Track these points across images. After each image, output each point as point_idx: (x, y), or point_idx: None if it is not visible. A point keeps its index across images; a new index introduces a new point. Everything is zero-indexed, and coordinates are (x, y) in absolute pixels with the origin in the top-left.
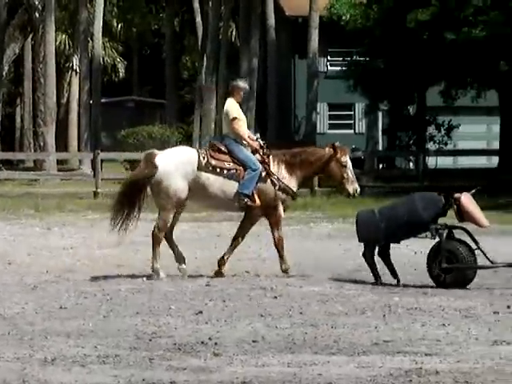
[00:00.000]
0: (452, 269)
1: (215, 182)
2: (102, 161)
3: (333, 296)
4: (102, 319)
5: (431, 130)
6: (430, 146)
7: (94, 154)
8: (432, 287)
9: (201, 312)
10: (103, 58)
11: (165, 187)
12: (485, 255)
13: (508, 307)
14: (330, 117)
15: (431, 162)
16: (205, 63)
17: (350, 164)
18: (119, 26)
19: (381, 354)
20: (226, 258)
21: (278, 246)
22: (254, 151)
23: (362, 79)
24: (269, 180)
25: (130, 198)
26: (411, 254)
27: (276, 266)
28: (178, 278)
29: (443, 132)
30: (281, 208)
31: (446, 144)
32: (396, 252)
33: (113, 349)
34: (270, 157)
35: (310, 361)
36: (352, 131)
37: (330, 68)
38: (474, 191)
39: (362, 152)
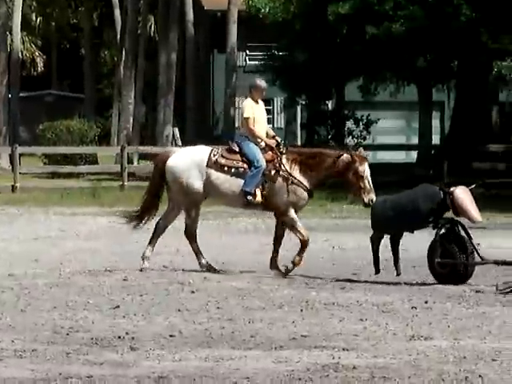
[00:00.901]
0: (447, 264)
1: (224, 181)
2: (20, 155)
3: (250, 291)
4: (20, 313)
5: (350, 124)
6: (349, 140)
7: (12, 149)
8: (350, 281)
9: (118, 306)
10: (22, 52)
11: (180, 186)
12: (476, 251)
13: (426, 302)
14: None
15: None
16: (123, 57)
17: (368, 173)
18: (38, 20)
19: (298, 349)
20: (274, 259)
21: (304, 246)
22: (267, 149)
23: (281, 73)
24: (280, 178)
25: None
26: (329, 249)
27: (194, 261)
28: (95, 272)
29: (362, 127)
30: (292, 210)
31: (364, 139)
32: (314, 247)
33: (30, 343)
34: (284, 155)
35: (227, 355)
36: (271, 126)
37: (248, 62)
38: (473, 186)
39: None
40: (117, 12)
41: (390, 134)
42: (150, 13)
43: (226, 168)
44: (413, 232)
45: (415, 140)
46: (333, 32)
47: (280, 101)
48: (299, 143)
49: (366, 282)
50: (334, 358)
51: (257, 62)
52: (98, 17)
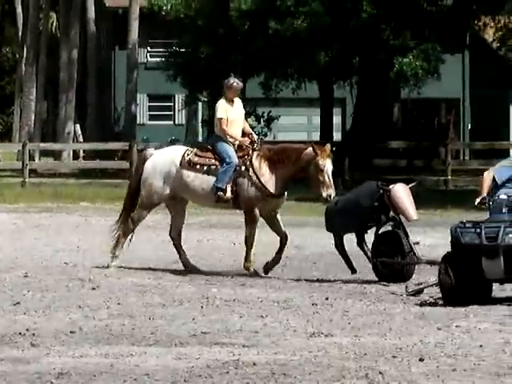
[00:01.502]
0: (387, 263)
1: (195, 179)
2: None
3: (151, 287)
4: None
5: (251, 121)
6: None
7: None
8: (251, 278)
9: (18, 303)
10: None
11: (146, 186)
12: (413, 251)
13: (326, 299)
14: (150, 108)
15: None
16: (25, 54)
17: (329, 168)
18: None
19: (198, 346)
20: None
21: (247, 242)
22: (240, 147)
23: (183, 70)
24: (247, 176)
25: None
26: (230, 245)
27: (94, 257)
28: None
29: (263, 123)
30: (256, 209)
31: (265, 135)
32: (214, 243)
33: None
34: (255, 152)
35: (127, 352)
36: (172, 122)
37: (150, 59)
38: (413, 184)
39: (181, 143)
40: (19, 8)
41: (291, 131)
42: (51, 9)
43: (198, 166)
44: (360, 231)
45: (316, 137)
46: (235, 28)
47: (181, 97)
48: (200, 140)
49: (266, 278)
50: (234, 355)
51: (158, 59)
52: (0, 13)
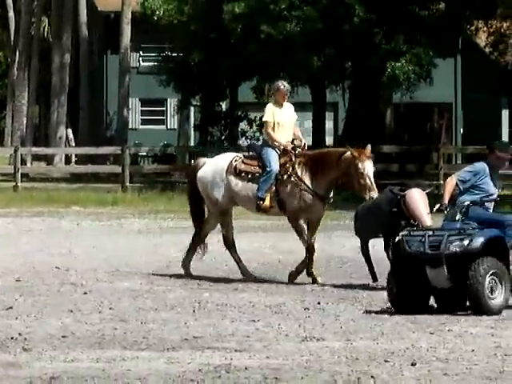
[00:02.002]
0: None
1: (241, 187)
2: None
3: (143, 292)
4: None
5: (243, 125)
6: (242, 141)
7: None
8: (243, 282)
9: (11, 307)
10: None
11: (206, 197)
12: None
13: (318, 303)
14: (142, 112)
15: None
16: (17, 58)
17: (369, 170)
18: None
19: (190, 350)
20: (309, 268)
21: (307, 252)
22: (283, 152)
23: (175, 75)
24: (290, 183)
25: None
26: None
27: (86, 260)
28: None
29: (255, 128)
30: (300, 216)
31: (257, 140)
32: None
33: None
34: (298, 159)
35: (119, 356)
36: (164, 127)
37: (142, 63)
38: (429, 190)
39: (173, 147)
40: (11, 12)
41: None
42: (43, 14)
43: (243, 174)
44: (386, 236)
45: (308, 141)
46: (227, 32)
47: (173, 102)
48: (192, 144)
49: (258, 282)
50: (226, 359)
51: (151, 63)
52: None
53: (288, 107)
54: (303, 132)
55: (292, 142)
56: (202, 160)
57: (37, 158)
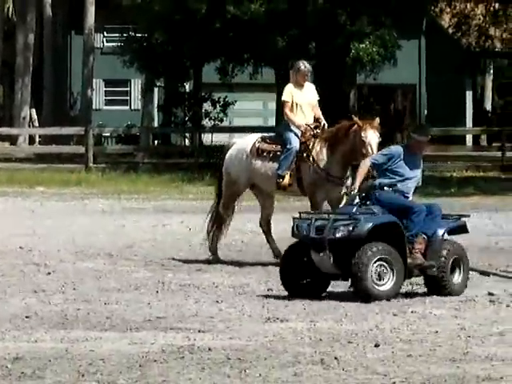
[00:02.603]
0: None
1: (262, 166)
2: None
3: (106, 272)
4: None
5: (207, 106)
6: (206, 122)
7: None
8: (206, 263)
9: None
10: None
11: (225, 176)
12: None
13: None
14: (106, 93)
15: (207, 138)
16: None
17: (371, 139)
18: None
19: (153, 331)
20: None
21: None
22: (304, 132)
23: (139, 55)
24: (308, 162)
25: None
26: (185, 230)
27: (49, 241)
28: None
29: (219, 109)
30: (318, 194)
31: (221, 121)
32: (170, 228)
33: None
34: (317, 139)
35: (82, 337)
36: (128, 107)
37: (106, 44)
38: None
39: (137, 128)
40: None
41: (248, 116)
42: None
43: (265, 153)
44: None
45: (272, 122)
46: (192, 13)
47: (137, 82)
48: (156, 125)
49: (222, 263)
50: (189, 340)
51: (114, 44)
52: None
53: (309, 88)
54: (268, 113)
55: (315, 122)
56: (231, 142)
57: (1, 138)
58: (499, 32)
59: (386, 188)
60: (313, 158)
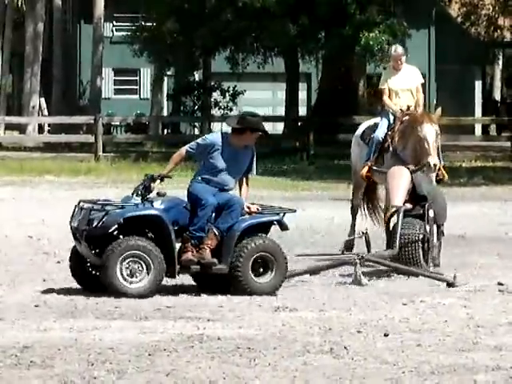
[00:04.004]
0: None
1: (360, 152)
2: None
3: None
4: None
5: (216, 95)
6: (215, 111)
7: None
8: None
9: None
10: None
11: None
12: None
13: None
14: (116, 82)
15: (216, 127)
16: None
17: (427, 133)
18: None
19: (163, 320)
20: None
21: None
22: (399, 119)
23: (149, 44)
24: (387, 152)
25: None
26: None
27: (59, 229)
28: None
29: (228, 98)
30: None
31: (231, 110)
32: None
33: None
34: (397, 126)
35: (91, 326)
36: (137, 96)
37: (115, 33)
38: (417, 168)
39: (146, 117)
40: None
41: (257, 106)
42: None
43: (367, 140)
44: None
45: (282, 111)
46: (202, 2)
47: (147, 72)
48: (165, 114)
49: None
50: (198, 329)
51: (124, 33)
52: None
53: (407, 71)
54: (277, 102)
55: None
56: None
57: (10, 127)
58: (508, 22)
59: (199, 178)
60: (393, 146)
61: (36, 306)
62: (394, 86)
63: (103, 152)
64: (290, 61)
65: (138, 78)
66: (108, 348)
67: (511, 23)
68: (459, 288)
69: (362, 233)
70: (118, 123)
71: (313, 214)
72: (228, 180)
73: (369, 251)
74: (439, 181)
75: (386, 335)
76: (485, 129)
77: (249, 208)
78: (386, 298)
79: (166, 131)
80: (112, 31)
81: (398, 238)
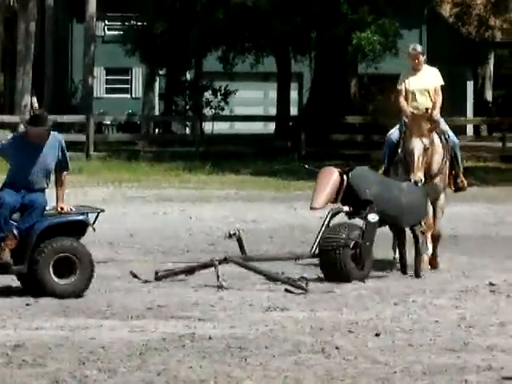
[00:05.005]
0: None
1: None
2: None
3: (107, 260)
4: None
5: (208, 95)
6: (207, 111)
7: None
8: (204, 252)
9: None
10: None
11: None
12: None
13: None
14: (107, 81)
15: (208, 127)
16: None
17: (415, 148)
18: None
19: (154, 319)
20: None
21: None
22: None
23: (140, 44)
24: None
25: None
26: (187, 219)
27: None
28: None
29: (220, 97)
30: None
31: (222, 109)
32: (171, 217)
33: None
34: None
35: (83, 325)
36: (129, 95)
37: (107, 32)
38: (348, 168)
39: (138, 116)
40: None
41: (248, 105)
42: None
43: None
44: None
45: (273, 111)
46: (193, 1)
47: (138, 71)
48: (157, 113)
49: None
50: (190, 328)
51: (116, 32)
52: None
53: (426, 72)
54: (268, 102)
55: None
56: None
57: (1, 125)
58: (500, 22)
59: (7, 180)
60: (401, 154)
61: (27, 305)
62: (411, 87)
63: (95, 151)
64: (282, 60)
65: (129, 77)
66: (99, 347)
67: (502, 23)
68: (448, 288)
69: (230, 234)
70: (109, 122)
71: (304, 214)
72: (33, 179)
73: (242, 252)
74: (458, 189)
75: (377, 335)
76: (476, 129)
77: (62, 208)
78: (378, 298)
79: (157, 130)
80: (104, 30)
81: (316, 242)
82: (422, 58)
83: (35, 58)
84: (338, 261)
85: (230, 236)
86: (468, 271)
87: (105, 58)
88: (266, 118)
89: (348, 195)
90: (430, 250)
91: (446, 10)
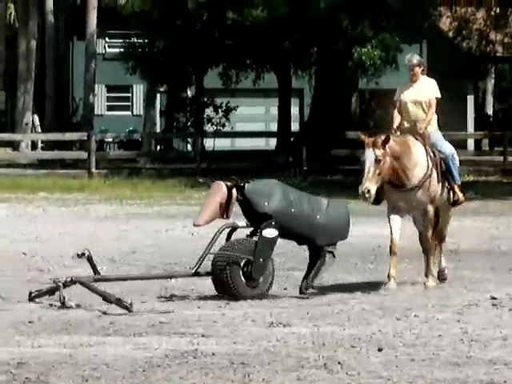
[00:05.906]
0: None
1: None
2: None
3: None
4: None
5: (209, 111)
6: (208, 127)
7: None
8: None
9: None
10: None
11: None
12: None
13: (285, 289)
14: (108, 98)
15: (209, 143)
16: None
17: (367, 159)
18: None
19: (157, 336)
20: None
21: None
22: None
23: (141, 61)
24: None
25: None
26: (188, 236)
27: (53, 247)
28: None
29: (221, 114)
30: (388, 203)
31: (223, 126)
32: (173, 233)
33: None
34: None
35: (86, 342)
36: (130, 113)
37: (108, 50)
38: (242, 183)
39: (139, 133)
40: None
41: (249, 122)
42: (9, 0)
43: None
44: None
45: (274, 127)
46: (193, 19)
47: (139, 88)
48: (158, 130)
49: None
50: (192, 345)
51: (117, 50)
52: None
53: (423, 83)
54: (270, 118)
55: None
56: None
57: (3, 144)
58: (500, 36)
59: None
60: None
61: (30, 322)
62: (405, 98)
63: (96, 168)
64: (282, 77)
65: (130, 94)
66: (103, 364)
67: (503, 38)
68: (450, 302)
69: (78, 254)
70: (110, 140)
71: None
72: None
73: (95, 272)
74: (455, 203)
75: (379, 350)
76: (477, 144)
77: None
78: (380, 313)
79: (158, 147)
80: (105, 48)
81: (200, 260)
82: (419, 70)
83: (36, 75)
84: (227, 278)
85: (79, 256)
86: (470, 285)
87: (106, 75)
88: (267, 134)
89: (247, 210)
90: (444, 264)
91: (446, 25)
